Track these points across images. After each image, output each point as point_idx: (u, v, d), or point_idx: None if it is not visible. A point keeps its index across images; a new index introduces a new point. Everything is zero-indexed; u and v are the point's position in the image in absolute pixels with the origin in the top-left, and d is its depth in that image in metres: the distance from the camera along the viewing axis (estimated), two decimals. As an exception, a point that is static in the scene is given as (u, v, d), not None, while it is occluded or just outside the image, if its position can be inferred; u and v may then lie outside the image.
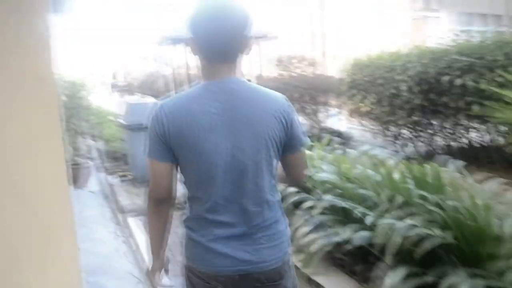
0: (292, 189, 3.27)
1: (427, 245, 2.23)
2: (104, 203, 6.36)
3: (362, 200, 2.80)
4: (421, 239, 2.30)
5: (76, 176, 7.09)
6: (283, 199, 3.43)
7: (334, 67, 12.65)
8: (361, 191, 2.78)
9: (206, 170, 1.52)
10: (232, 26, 1.49)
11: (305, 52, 9.68)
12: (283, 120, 1.54)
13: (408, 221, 2.35)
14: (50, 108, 1.60)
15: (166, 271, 1.77)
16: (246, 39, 1.53)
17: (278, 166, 1.65)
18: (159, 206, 1.64)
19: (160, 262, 1.72)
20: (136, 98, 17.01)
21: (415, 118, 5.95)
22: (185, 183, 1.63)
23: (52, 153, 1.62)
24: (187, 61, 12.35)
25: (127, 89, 24.07)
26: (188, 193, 1.62)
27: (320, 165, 3.41)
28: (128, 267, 4.27)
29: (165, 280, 1.75)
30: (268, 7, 18.23)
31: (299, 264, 2.97)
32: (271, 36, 12.42)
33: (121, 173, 7.06)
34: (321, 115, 8.49)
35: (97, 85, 13.01)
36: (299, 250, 3.13)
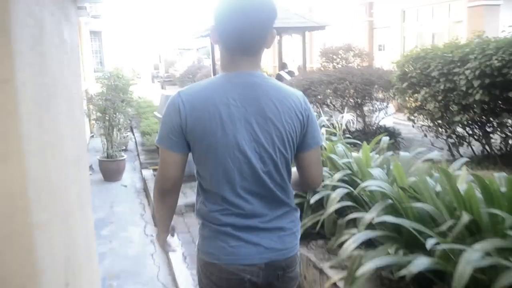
0: (335, 195, 2.88)
1: (504, 282, 1.77)
2: (135, 198, 6.13)
3: (419, 216, 2.34)
4: (497, 270, 1.84)
5: (110, 169, 6.91)
6: (323, 204, 3.00)
7: (382, 58, 12.03)
8: (418, 205, 2.32)
9: (224, 162, 1.50)
10: (259, 20, 1.47)
11: (352, 43, 9.08)
12: (301, 117, 1.54)
13: (478, 247, 1.88)
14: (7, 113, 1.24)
15: (173, 234, 1.81)
16: (271, 33, 1.52)
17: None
18: (165, 195, 1.63)
19: (166, 233, 1.77)
20: (172, 90, 16.96)
21: (472, 114, 5.36)
22: (199, 174, 1.59)
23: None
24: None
25: (169, 81, 24.12)
26: (204, 185, 1.59)
27: (368, 169, 2.96)
28: (154, 271, 3.98)
29: (173, 243, 1.81)
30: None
31: (340, 283, 2.56)
32: (318, 26, 11.95)
33: (154, 167, 6.81)
34: (366, 109, 7.94)
35: (139, 77, 12.87)
36: (341, 266, 2.73)
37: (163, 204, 1.67)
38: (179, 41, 29.25)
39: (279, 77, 12.64)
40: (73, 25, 2.34)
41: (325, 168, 3.45)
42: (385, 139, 3.73)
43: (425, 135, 6.32)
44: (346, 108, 7.48)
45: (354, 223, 2.77)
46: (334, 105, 7.95)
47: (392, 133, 7.80)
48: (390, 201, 2.54)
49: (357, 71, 7.28)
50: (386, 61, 11.14)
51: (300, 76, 8.30)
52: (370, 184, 2.60)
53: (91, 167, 7.48)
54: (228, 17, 1.47)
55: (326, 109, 8.07)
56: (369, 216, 2.45)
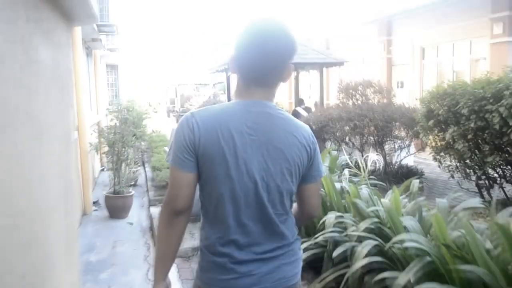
0: (362, 248, 2.48)
1: None
2: (140, 237, 5.74)
3: (467, 281, 1.92)
4: None
5: (116, 206, 6.56)
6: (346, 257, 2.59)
7: (401, 95, 11.69)
8: (467, 267, 1.90)
9: (233, 187, 1.49)
10: (278, 54, 1.48)
11: (372, 79, 8.77)
12: (308, 149, 1.56)
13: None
14: None
15: None
16: (288, 67, 1.54)
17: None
18: (174, 218, 1.55)
19: (163, 284, 1.60)
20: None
21: (506, 155, 4.93)
22: (203, 199, 1.57)
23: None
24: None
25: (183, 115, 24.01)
26: (207, 211, 1.57)
27: (400, 218, 2.56)
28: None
29: None
30: (335, 32, 17.59)
31: None
32: (337, 62, 11.72)
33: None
34: (387, 148, 7.54)
35: (155, 111, 12.74)
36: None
37: (171, 229, 1.56)
38: (196, 76, 29.38)
39: (296, 113, 12.33)
40: (60, 48, 2.05)
41: (347, 215, 3.06)
42: (416, 182, 3.33)
43: (452, 176, 5.87)
44: (370, 148, 7.10)
45: (384, 282, 2.36)
46: (353, 143, 7.57)
47: (415, 173, 7.36)
48: (428, 259, 2.13)
49: (378, 107, 6.93)
50: (405, 98, 10.81)
51: (318, 112, 7.98)
52: (404, 239, 2.19)
53: (97, 203, 7.15)
54: (248, 48, 1.49)
55: (344, 146, 7.71)
56: (404, 278, 2.05)
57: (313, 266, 3.15)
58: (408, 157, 7.89)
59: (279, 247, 1.57)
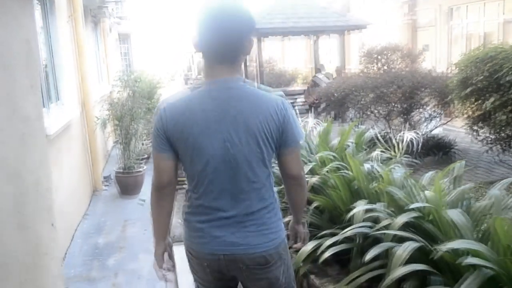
0: (403, 252, 2.04)
1: None
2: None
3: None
4: None
5: (127, 183, 6.22)
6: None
7: (428, 60, 10.97)
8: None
9: (201, 162, 1.65)
10: (234, 29, 1.57)
11: (398, 42, 8.12)
12: (275, 117, 1.63)
13: None
14: None
15: (169, 255, 1.90)
16: (247, 42, 1.63)
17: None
18: (161, 192, 1.75)
19: (164, 246, 1.85)
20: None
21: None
22: (184, 172, 1.75)
23: None
24: (259, 56, 11.22)
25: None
26: (188, 184, 1.77)
27: (446, 211, 2.10)
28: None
29: (168, 264, 1.87)
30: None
31: None
32: (359, 25, 11.03)
33: (180, 178, 6.05)
34: (416, 117, 6.99)
35: (173, 79, 12.28)
36: None
37: (159, 201, 1.78)
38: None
39: (316, 80, 11.77)
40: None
41: (379, 205, 2.60)
42: (459, 165, 2.84)
43: (491, 149, 5.33)
44: (396, 118, 6.56)
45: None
46: (378, 112, 7.03)
47: (445, 144, 6.81)
48: (489, 272, 1.68)
49: (407, 73, 6.33)
50: (431, 63, 10.12)
51: (340, 79, 7.42)
52: (458, 248, 1.74)
53: (109, 178, 6.83)
54: (204, 28, 1.59)
55: (370, 115, 7.18)
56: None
57: (339, 260, 2.73)
58: (438, 127, 7.33)
59: (244, 214, 1.69)
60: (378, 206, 2.56)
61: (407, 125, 7.07)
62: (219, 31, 1.56)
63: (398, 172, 2.93)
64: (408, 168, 3.56)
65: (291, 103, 10.21)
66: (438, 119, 6.74)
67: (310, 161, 3.38)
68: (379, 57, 7.04)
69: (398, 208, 2.42)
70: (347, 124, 10.99)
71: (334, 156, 3.21)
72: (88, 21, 7.98)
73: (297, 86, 18.45)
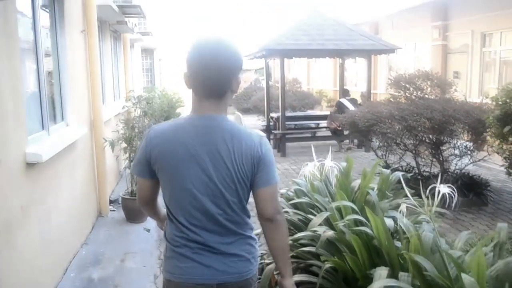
0: None
1: None
2: (155, 248, 5.01)
3: None
4: None
5: (133, 209, 5.86)
6: None
7: (459, 87, 10.43)
8: None
9: (180, 192, 1.74)
10: (220, 69, 1.66)
11: (430, 69, 7.64)
12: (251, 156, 1.71)
13: None
14: None
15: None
16: (234, 79, 1.72)
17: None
18: (144, 207, 1.97)
19: (163, 220, 2.01)
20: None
21: None
22: (164, 199, 1.83)
23: None
24: (282, 77, 10.85)
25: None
26: (168, 209, 1.82)
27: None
28: None
29: None
30: (385, 16, 16.31)
31: None
32: (387, 49, 10.59)
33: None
34: (445, 152, 6.49)
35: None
36: None
37: (146, 210, 2.00)
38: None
39: (340, 105, 11.32)
40: None
41: (405, 274, 2.16)
42: (503, 227, 2.38)
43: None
44: (425, 151, 6.06)
45: None
46: (405, 145, 6.56)
47: (478, 183, 6.28)
48: None
49: (438, 105, 5.85)
50: (462, 91, 9.58)
51: (365, 107, 6.98)
52: None
53: (117, 202, 6.50)
54: (194, 65, 1.68)
55: (396, 147, 6.71)
56: None
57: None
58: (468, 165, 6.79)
59: (231, 243, 1.77)
60: (402, 276, 2.12)
61: (435, 161, 6.60)
62: (208, 69, 1.65)
63: (427, 230, 2.48)
64: (439, 216, 3.11)
65: (313, 128, 9.78)
66: (470, 156, 6.21)
67: (325, 209, 2.97)
68: (407, 85, 6.56)
69: (427, 285, 1.98)
70: (371, 154, 10.52)
71: (353, 208, 2.78)
72: (106, 36, 7.78)
73: (322, 109, 18.05)
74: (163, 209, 1.98)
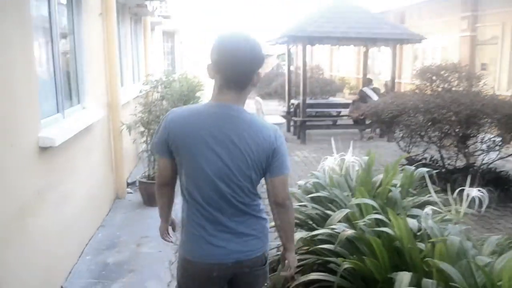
0: None
1: None
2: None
3: None
4: None
5: (150, 192, 5.80)
6: None
7: (489, 80, 10.09)
8: None
9: (196, 174, 1.85)
10: (245, 64, 1.78)
11: (458, 62, 7.36)
12: (267, 149, 1.84)
13: None
14: None
15: (173, 229, 2.29)
16: (256, 75, 1.84)
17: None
18: (162, 188, 2.05)
19: (166, 224, 2.22)
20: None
21: None
22: (180, 179, 1.95)
23: None
24: (304, 63, 10.63)
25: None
26: (182, 190, 1.93)
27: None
28: None
29: (170, 236, 2.28)
30: (411, 5, 15.87)
31: None
32: (414, 38, 10.28)
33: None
34: (472, 146, 6.26)
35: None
36: None
37: (162, 194, 2.07)
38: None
39: (363, 94, 11.08)
40: None
41: (429, 281, 2.03)
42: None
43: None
44: (450, 143, 5.84)
45: None
46: (429, 137, 6.34)
47: (505, 179, 6.06)
48: None
49: (465, 99, 5.62)
50: (490, 83, 9.25)
51: (389, 98, 6.76)
52: None
53: (134, 184, 6.47)
54: (219, 59, 1.79)
55: (420, 139, 6.50)
56: None
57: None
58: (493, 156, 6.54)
59: (241, 222, 1.90)
60: (425, 283, 1.98)
61: (461, 155, 6.38)
62: (231, 63, 1.77)
63: (453, 232, 2.33)
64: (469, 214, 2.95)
65: (334, 116, 9.58)
66: (498, 151, 5.98)
67: (345, 205, 2.84)
68: (434, 77, 6.32)
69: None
70: (394, 144, 10.28)
71: (374, 207, 2.64)
72: (125, 19, 7.69)
73: (343, 97, 17.74)
74: (173, 217, 2.21)
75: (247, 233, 1.91)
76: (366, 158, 3.31)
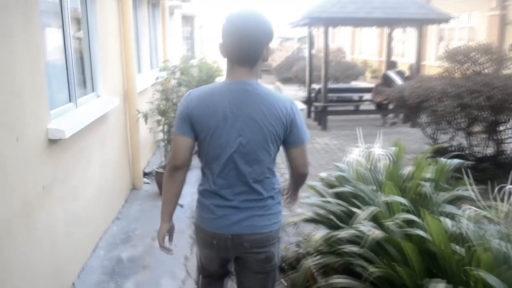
0: None
1: None
2: (187, 226, 4.79)
3: None
4: None
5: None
6: None
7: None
8: None
9: (215, 150, 1.93)
10: (253, 38, 1.84)
11: (490, 42, 6.97)
12: (284, 120, 1.90)
13: None
14: None
15: (170, 236, 2.18)
16: (265, 49, 1.90)
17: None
18: (175, 172, 2.02)
19: (167, 226, 2.12)
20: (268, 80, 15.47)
21: None
22: (200, 156, 2.02)
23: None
24: (326, 46, 10.29)
25: (266, 70, 22.86)
26: (202, 165, 2.04)
27: None
28: None
29: (168, 243, 2.16)
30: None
31: None
32: (441, 18, 9.83)
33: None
34: (503, 133, 5.93)
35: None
36: None
37: (172, 181, 2.05)
38: (280, 29, 27.85)
39: (386, 78, 10.68)
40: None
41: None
42: None
43: None
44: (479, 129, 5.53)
45: None
46: (458, 123, 6.03)
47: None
48: None
49: (499, 82, 5.28)
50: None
51: (415, 81, 6.44)
52: None
53: (151, 174, 6.35)
54: (229, 35, 1.86)
55: (446, 125, 6.20)
56: None
57: None
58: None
59: (251, 200, 1.97)
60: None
61: (490, 142, 6.07)
62: (240, 39, 1.83)
63: (494, 235, 2.10)
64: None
65: (356, 101, 9.25)
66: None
67: (373, 202, 2.62)
68: (464, 59, 5.98)
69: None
70: (417, 130, 9.93)
71: (404, 205, 2.41)
72: (143, 2, 7.50)
73: (366, 81, 17.29)
74: (173, 221, 2.15)
75: (252, 210, 1.97)
76: (393, 148, 3.07)
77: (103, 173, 4.55)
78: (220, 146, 1.90)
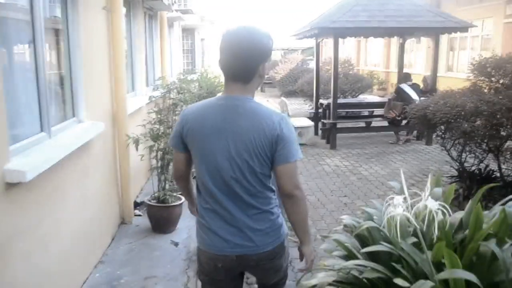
0: None
1: None
2: (181, 269, 4.10)
3: None
4: None
5: (159, 217, 5.00)
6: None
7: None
8: None
9: (205, 166, 1.94)
10: (244, 56, 1.85)
11: (497, 50, 6.32)
12: (268, 134, 1.86)
13: None
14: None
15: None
16: (260, 66, 1.91)
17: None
18: (178, 182, 2.26)
19: (193, 207, 2.30)
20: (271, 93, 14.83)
21: None
22: (196, 170, 2.02)
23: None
24: (335, 59, 9.61)
25: (269, 83, 22.26)
26: (196, 183, 2.06)
27: None
28: None
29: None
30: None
31: None
32: (459, 27, 9.18)
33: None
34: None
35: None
36: None
37: (180, 186, 2.31)
38: (283, 42, 27.28)
39: (400, 91, 9.95)
40: None
41: None
42: None
43: None
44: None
45: None
46: (487, 144, 5.37)
47: None
48: None
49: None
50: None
51: (438, 97, 5.78)
52: None
53: (142, 206, 5.66)
54: (223, 53, 1.90)
55: (474, 146, 5.54)
56: None
57: None
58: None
59: (249, 216, 1.94)
60: None
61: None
62: (234, 57, 1.86)
63: None
64: None
65: (367, 116, 8.53)
66: None
67: (416, 264, 1.94)
68: (493, 71, 5.33)
69: None
70: (433, 147, 9.23)
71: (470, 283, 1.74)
72: (138, 14, 6.90)
73: (372, 94, 16.56)
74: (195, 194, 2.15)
75: (254, 228, 1.95)
76: (445, 206, 2.37)
77: (83, 212, 3.88)
78: (210, 160, 1.92)
